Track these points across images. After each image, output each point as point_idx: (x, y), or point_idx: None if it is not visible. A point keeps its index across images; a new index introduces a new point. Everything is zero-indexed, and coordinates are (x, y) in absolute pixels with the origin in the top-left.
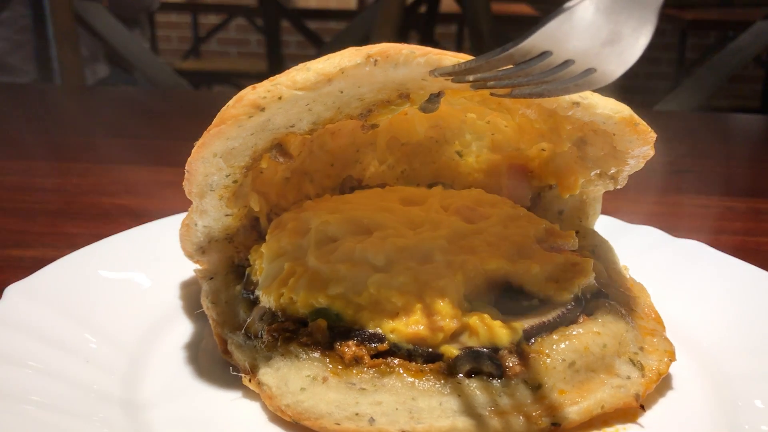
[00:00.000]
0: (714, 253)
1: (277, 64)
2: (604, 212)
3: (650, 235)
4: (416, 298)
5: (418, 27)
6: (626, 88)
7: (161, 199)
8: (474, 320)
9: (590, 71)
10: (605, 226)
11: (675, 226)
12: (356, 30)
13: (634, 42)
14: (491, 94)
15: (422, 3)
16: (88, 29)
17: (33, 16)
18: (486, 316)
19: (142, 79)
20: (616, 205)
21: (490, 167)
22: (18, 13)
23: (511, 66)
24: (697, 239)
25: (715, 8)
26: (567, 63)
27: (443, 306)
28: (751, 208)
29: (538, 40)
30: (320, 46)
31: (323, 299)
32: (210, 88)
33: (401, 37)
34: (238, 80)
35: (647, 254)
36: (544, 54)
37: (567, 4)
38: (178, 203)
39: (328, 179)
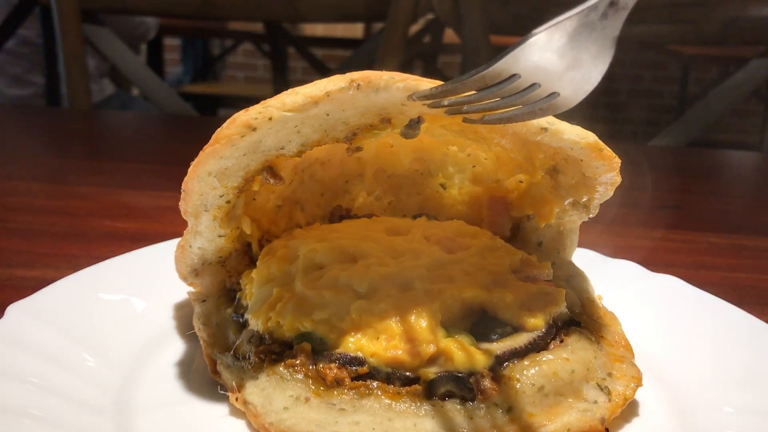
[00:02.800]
0: (689, 289)
1: (282, 90)
2: (587, 246)
3: (628, 268)
4: (396, 324)
5: (423, 56)
6: (628, 121)
7: (160, 223)
8: (450, 345)
9: (554, 95)
10: (585, 258)
11: (656, 261)
12: (361, 58)
13: (594, 68)
14: (464, 120)
15: (426, 33)
16: (97, 52)
17: (43, 32)
18: (462, 341)
19: (144, 102)
20: (601, 238)
21: (472, 199)
22: (29, 28)
23: (480, 90)
24: (677, 274)
25: (714, 46)
26: (533, 86)
27: (421, 332)
28: (732, 244)
29: (507, 63)
30: (326, 73)
31: (308, 324)
32: (216, 112)
33: (406, 66)
34: (245, 104)
35: (623, 287)
36: (513, 77)
37: (534, 31)
38: (177, 227)
39: (319, 208)
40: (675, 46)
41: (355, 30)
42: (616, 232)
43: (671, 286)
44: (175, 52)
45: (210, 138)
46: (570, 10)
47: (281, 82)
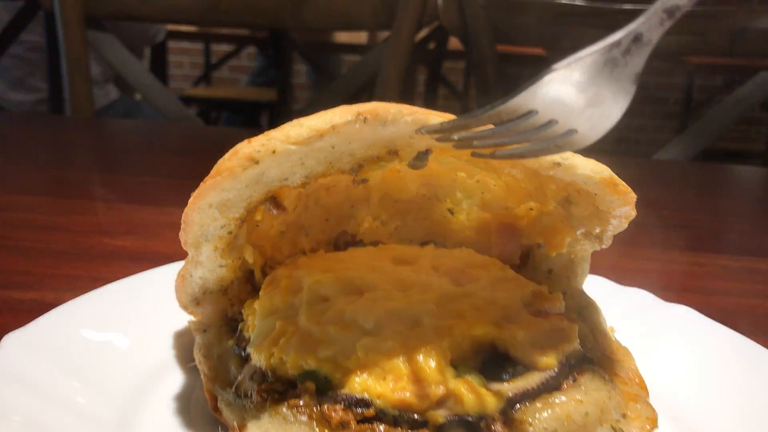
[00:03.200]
0: (703, 321)
1: (286, 94)
2: (594, 266)
3: (640, 298)
4: (403, 363)
5: (427, 63)
6: (635, 128)
7: (162, 241)
8: (460, 386)
9: (572, 132)
10: (596, 287)
11: (666, 286)
12: (366, 66)
13: (615, 105)
14: (472, 155)
15: (431, 40)
16: (100, 58)
17: (46, 37)
18: (472, 381)
19: (148, 107)
20: (607, 261)
21: (481, 225)
22: (32, 33)
23: (495, 125)
24: (689, 300)
25: (722, 57)
26: (550, 123)
27: (430, 372)
28: (744, 267)
29: (525, 98)
30: (329, 79)
31: (313, 361)
32: (219, 115)
33: (410, 73)
34: (249, 108)
35: (636, 318)
36: (530, 113)
37: (554, 66)
38: (178, 246)
39: (323, 234)
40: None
41: (359, 36)
42: (624, 254)
43: (685, 317)
44: (179, 55)
45: (213, 151)
46: (589, 46)
47: (285, 86)
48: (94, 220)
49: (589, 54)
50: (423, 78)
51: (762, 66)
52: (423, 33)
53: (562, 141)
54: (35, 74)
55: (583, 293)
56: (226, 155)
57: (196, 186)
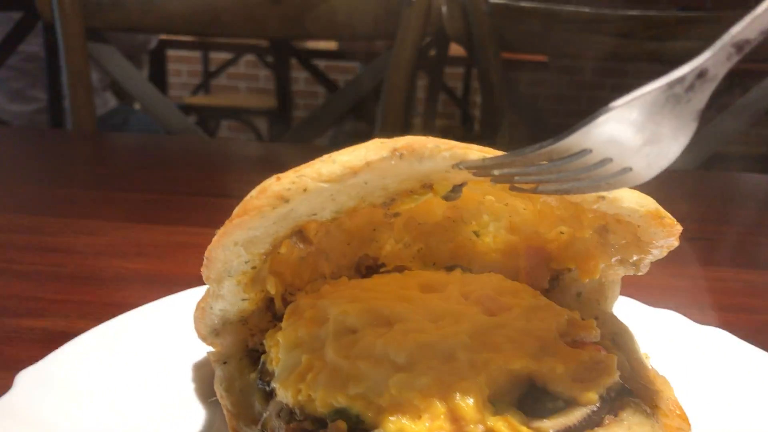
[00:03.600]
0: (739, 344)
1: (285, 101)
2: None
3: (671, 320)
4: (439, 401)
5: (427, 69)
6: None
7: (174, 262)
8: (499, 425)
9: (626, 170)
10: (624, 309)
11: (692, 304)
12: (369, 75)
13: (674, 142)
14: (511, 189)
15: (432, 47)
16: (100, 69)
17: (45, 47)
18: (511, 419)
19: (146, 117)
20: (627, 278)
21: (508, 248)
22: (28, 43)
23: (543, 163)
24: (716, 320)
25: None
26: (604, 161)
27: (468, 410)
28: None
29: (578, 138)
30: (328, 85)
31: (343, 399)
32: (218, 123)
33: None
34: (248, 116)
35: (669, 343)
36: (583, 152)
37: (612, 104)
38: (190, 267)
39: (344, 258)
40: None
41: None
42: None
43: (720, 341)
44: (178, 64)
45: (223, 165)
46: (649, 83)
47: (284, 93)
48: (103, 241)
49: (650, 91)
50: (423, 84)
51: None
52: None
53: (613, 180)
54: (33, 85)
55: (615, 318)
56: (254, 192)
57: (204, 202)
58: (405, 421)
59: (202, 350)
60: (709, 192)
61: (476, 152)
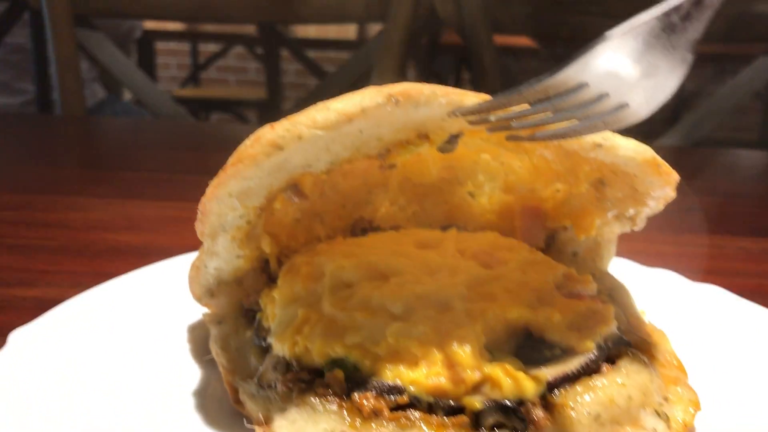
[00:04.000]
0: (733, 299)
1: (275, 93)
2: (617, 253)
3: (667, 279)
4: (436, 348)
5: (417, 58)
6: None
7: (166, 235)
8: (497, 371)
9: (623, 107)
10: (620, 268)
11: (688, 268)
12: (359, 61)
13: (670, 75)
14: (508, 138)
15: (423, 35)
16: (89, 57)
17: (32, 37)
18: (508, 366)
19: (135, 107)
20: (624, 245)
21: (503, 208)
22: (14, 35)
23: (540, 102)
24: (712, 282)
25: (713, 43)
26: (601, 97)
27: (464, 356)
28: (763, 248)
29: (575, 71)
30: (320, 75)
31: (340, 349)
32: (208, 115)
33: (401, 69)
34: (238, 108)
35: (665, 300)
36: (580, 86)
37: (608, 33)
38: (183, 239)
39: (340, 220)
40: None
41: (347, 31)
42: (640, 237)
43: (715, 296)
44: (167, 56)
45: (212, 146)
46: (646, 11)
47: (274, 85)
48: (94, 216)
49: (647, 21)
50: (413, 73)
51: (757, 52)
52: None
53: (611, 117)
54: (20, 77)
55: (610, 275)
56: (248, 141)
57: (195, 181)
58: (402, 369)
59: (197, 312)
60: (702, 166)
61: (473, 98)
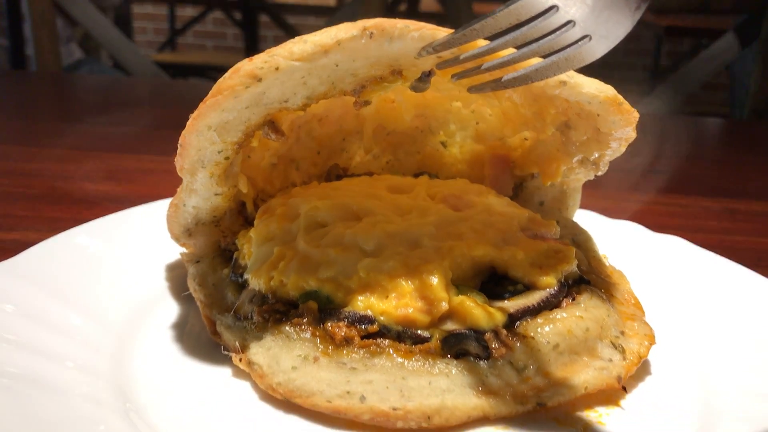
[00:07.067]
0: (692, 248)
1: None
2: (583, 208)
3: (630, 229)
4: (405, 282)
5: None
6: None
7: (143, 185)
8: (462, 303)
9: (585, 40)
10: (586, 220)
11: (653, 224)
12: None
13: (629, 11)
14: (470, 91)
15: (402, 2)
16: (66, 16)
17: None
18: (474, 299)
19: (112, 69)
20: (595, 202)
21: (474, 158)
22: None
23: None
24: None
25: (692, 15)
26: (568, 24)
27: (433, 289)
28: (725, 208)
29: None
30: None
31: (314, 282)
32: (186, 80)
33: None
34: (215, 74)
35: (627, 247)
36: (552, 9)
37: None
38: (161, 190)
39: (315, 167)
40: (651, 16)
41: None
42: (609, 196)
43: (675, 245)
44: (143, 21)
45: (188, 103)
46: None
47: (252, 51)
48: (71, 167)
49: None
50: None
51: (732, 25)
52: None
53: (572, 53)
54: None
55: (575, 223)
56: (226, 74)
57: (172, 136)
58: (373, 300)
59: (174, 253)
60: (666, 132)
61: (445, 33)
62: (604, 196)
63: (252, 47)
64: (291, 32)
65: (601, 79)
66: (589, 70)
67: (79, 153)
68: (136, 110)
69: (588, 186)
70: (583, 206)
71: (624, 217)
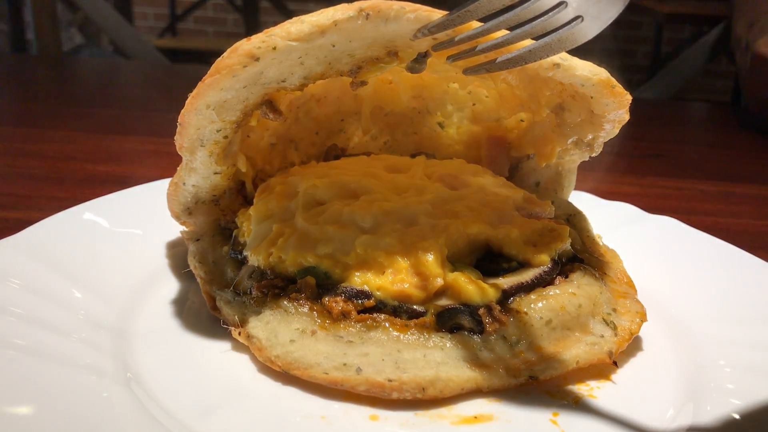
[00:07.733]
0: (686, 229)
1: None
2: (581, 190)
3: (625, 210)
4: (402, 258)
5: None
6: None
7: (145, 166)
8: (458, 279)
9: (577, 20)
10: (582, 200)
11: (649, 206)
12: None
13: None
14: (465, 72)
15: None
16: (66, 1)
17: None
18: (469, 275)
19: (113, 54)
20: (593, 185)
21: (471, 139)
22: None
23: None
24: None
25: (692, 2)
26: (562, 5)
27: (428, 265)
28: (721, 191)
29: None
30: None
31: (312, 258)
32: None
33: None
34: (215, 59)
35: (622, 228)
36: None
37: None
38: (162, 171)
39: (313, 147)
40: (651, 2)
41: None
42: (606, 179)
43: (669, 226)
44: (144, 6)
45: (188, 87)
46: None
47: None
48: (72, 149)
49: None
50: None
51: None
52: None
53: (565, 34)
54: None
55: (570, 203)
56: (225, 54)
57: (172, 119)
58: (370, 276)
59: (175, 232)
60: (663, 117)
61: (440, 15)
62: (599, 179)
63: (252, 33)
64: (291, 18)
65: (604, 67)
66: (591, 57)
67: (80, 135)
68: (135, 93)
69: (583, 167)
70: (579, 188)
71: (621, 199)
